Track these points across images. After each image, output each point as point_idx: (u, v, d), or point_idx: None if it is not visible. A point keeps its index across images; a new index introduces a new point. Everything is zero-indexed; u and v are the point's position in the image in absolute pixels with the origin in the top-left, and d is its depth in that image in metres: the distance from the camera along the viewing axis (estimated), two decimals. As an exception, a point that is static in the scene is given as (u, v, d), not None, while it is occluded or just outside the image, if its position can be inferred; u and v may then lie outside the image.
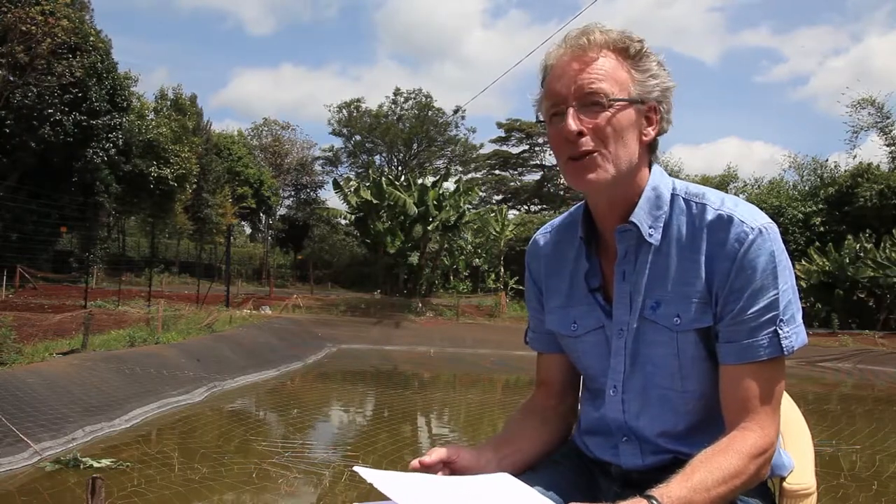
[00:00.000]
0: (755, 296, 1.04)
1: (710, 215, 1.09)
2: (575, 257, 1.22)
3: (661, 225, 1.12)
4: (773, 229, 1.07)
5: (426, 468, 1.07)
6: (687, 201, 1.12)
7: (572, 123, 1.06)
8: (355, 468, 1.04)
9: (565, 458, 1.27)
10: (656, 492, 0.95)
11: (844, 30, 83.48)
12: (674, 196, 1.13)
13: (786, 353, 1.05)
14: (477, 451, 1.14)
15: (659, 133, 1.13)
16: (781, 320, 1.05)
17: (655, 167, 1.16)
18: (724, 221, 1.07)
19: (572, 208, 1.28)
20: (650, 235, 1.11)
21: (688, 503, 0.96)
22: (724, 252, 1.06)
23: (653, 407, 1.14)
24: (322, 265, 37.96)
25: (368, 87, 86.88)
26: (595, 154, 1.07)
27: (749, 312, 1.04)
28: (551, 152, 1.19)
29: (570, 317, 1.22)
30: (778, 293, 1.04)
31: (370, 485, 0.99)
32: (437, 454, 1.09)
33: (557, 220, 1.31)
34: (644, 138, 1.11)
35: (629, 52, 1.09)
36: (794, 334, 1.06)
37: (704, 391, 1.11)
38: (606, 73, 1.07)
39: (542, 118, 1.14)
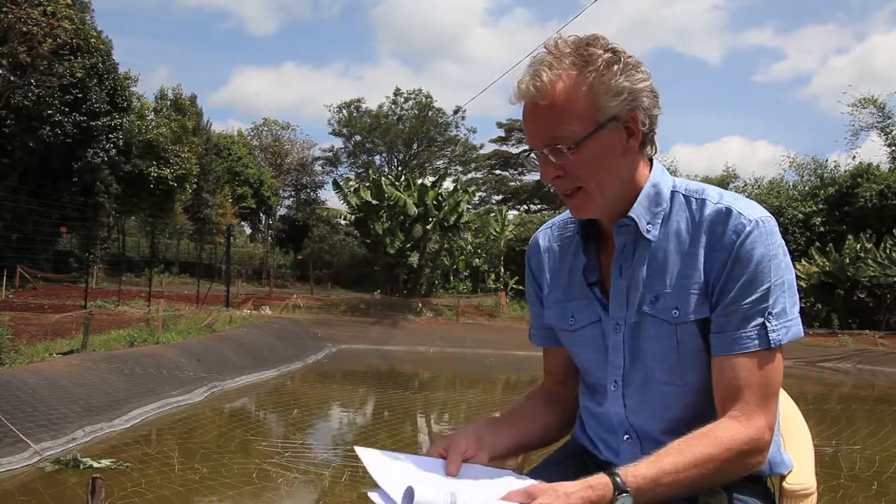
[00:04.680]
0: (747, 286, 1.05)
1: (709, 209, 1.10)
2: (573, 253, 1.24)
3: (660, 221, 1.13)
4: (771, 222, 1.08)
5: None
6: (687, 197, 1.13)
7: (546, 172, 1.09)
8: (356, 448, 1.04)
9: (565, 458, 1.27)
10: (622, 470, 0.96)
11: (849, 28, 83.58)
12: (674, 193, 1.14)
13: (773, 345, 1.05)
14: (476, 438, 1.13)
15: (649, 130, 1.11)
16: (770, 313, 1.05)
17: (657, 164, 1.17)
18: (723, 214, 1.08)
19: None
20: (648, 231, 1.12)
21: (653, 483, 0.96)
22: (722, 244, 1.07)
23: (653, 402, 1.14)
24: (322, 265, 37.98)
25: (371, 86, 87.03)
26: (579, 190, 1.10)
27: (740, 303, 1.05)
28: None
29: (568, 311, 1.23)
30: (770, 285, 1.05)
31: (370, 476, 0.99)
32: (435, 451, 1.10)
33: (558, 217, 1.32)
34: (629, 150, 1.10)
35: (587, 73, 1.05)
36: (785, 328, 1.06)
37: (704, 384, 1.11)
38: (565, 114, 1.05)
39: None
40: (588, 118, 1.05)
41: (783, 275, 1.06)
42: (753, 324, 1.05)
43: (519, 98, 1.08)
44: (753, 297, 1.05)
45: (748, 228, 1.05)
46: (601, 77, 1.05)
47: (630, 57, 1.08)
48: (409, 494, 0.95)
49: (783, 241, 1.09)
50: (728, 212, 1.08)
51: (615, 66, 1.06)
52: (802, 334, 1.09)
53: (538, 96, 1.05)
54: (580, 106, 1.05)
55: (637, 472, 0.96)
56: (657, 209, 1.13)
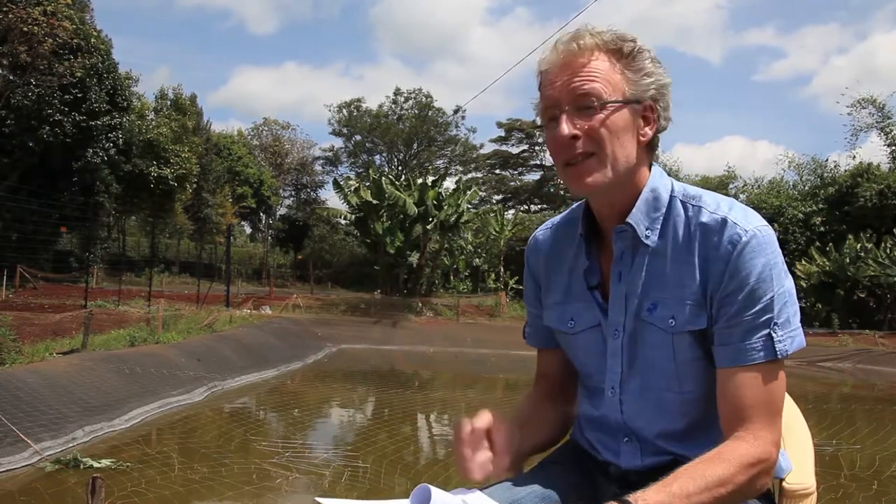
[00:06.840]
0: (749, 298, 1.04)
1: (704, 218, 1.09)
2: (574, 254, 1.22)
3: (659, 227, 1.12)
4: (768, 232, 1.07)
5: (474, 433, 1.08)
6: (684, 203, 1.12)
7: (566, 127, 1.07)
8: (316, 499, 1.03)
9: (564, 459, 1.27)
10: (632, 496, 0.94)
11: (850, 28, 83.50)
12: (672, 198, 1.13)
13: (779, 356, 1.04)
14: (509, 428, 1.12)
15: (658, 131, 1.12)
16: (776, 323, 1.04)
17: (655, 168, 1.16)
18: (719, 224, 1.07)
19: (574, 205, 1.27)
20: (647, 237, 1.11)
21: None
22: (718, 255, 1.06)
23: (651, 407, 1.14)
24: (322, 265, 37.97)
25: (371, 86, 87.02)
26: (591, 157, 1.07)
27: (744, 315, 1.04)
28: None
29: (568, 313, 1.22)
30: (773, 296, 1.04)
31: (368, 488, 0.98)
32: (484, 421, 1.09)
33: (558, 217, 1.31)
34: (642, 138, 1.10)
35: (622, 53, 1.08)
36: (790, 338, 1.05)
37: (703, 392, 1.11)
38: (599, 75, 1.07)
39: (541, 123, 1.14)
40: (618, 89, 1.08)
41: (784, 284, 1.06)
42: (759, 335, 1.04)
43: (554, 55, 1.10)
44: (757, 308, 1.03)
45: (744, 239, 1.04)
46: (635, 58, 1.09)
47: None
48: (423, 494, 0.93)
49: (780, 249, 1.08)
50: (724, 221, 1.06)
51: (647, 53, 1.10)
52: (805, 344, 1.08)
53: (578, 52, 1.08)
54: (614, 76, 1.08)
55: (647, 497, 0.94)
56: (655, 214, 1.12)
